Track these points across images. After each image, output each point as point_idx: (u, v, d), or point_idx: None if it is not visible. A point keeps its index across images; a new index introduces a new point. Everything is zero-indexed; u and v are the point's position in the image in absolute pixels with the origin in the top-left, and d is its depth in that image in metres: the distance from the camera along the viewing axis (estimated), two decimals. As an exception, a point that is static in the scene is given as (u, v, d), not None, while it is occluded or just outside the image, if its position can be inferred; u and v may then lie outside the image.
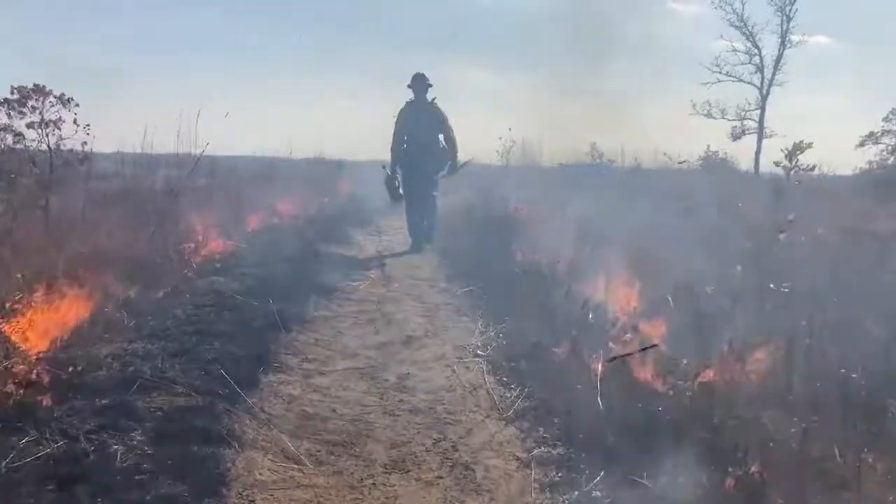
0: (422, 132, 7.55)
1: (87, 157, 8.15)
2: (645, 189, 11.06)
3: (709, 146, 20.58)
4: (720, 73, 26.17)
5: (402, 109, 7.70)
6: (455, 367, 3.64)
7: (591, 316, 4.07)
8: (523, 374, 3.43)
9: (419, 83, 7.58)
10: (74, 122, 7.63)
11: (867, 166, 18.97)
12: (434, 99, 7.66)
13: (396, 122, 7.67)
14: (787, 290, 3.71)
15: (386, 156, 7.96)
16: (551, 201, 9.68)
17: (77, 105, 7.87)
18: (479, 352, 3.98)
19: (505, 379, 3.44)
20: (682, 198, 9.17)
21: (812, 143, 16.59)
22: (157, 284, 4.47)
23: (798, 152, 16.70)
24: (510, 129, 16.20)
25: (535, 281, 5.44)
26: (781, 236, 4.73)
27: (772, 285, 3.82)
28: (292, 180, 11.17)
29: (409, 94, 7.66)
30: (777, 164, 17.38)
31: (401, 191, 7.77)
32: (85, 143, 7.99)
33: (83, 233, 4.91)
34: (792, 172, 16.54)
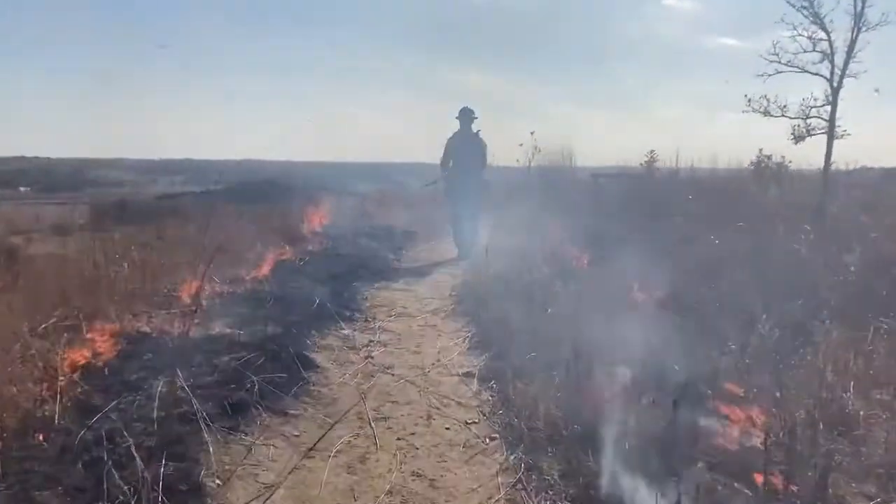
0: (467, 159, 8.57)
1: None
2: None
3: (761, 150, 18.03)
4: (779, 62, 21.96)
5: (449, 138, 8.65)
6: None
7: None
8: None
9: (465, 116, 8.56)
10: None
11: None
12: (479, 131, 8.67)
13: (445, 150, 8.69)
14: None
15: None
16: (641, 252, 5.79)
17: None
18: None
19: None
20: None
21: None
22: None
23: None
24: (532, 133, 14.29)
25: None
26: None
27: None
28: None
29: (457, 124, 8.66)
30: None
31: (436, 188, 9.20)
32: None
33: None
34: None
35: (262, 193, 18.13)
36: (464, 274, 7.36)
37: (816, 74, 22.27)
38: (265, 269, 6.54)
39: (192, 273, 5.65)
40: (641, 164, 18.34)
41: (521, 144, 14.75)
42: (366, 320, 5.48)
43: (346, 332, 5.11)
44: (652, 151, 16.49)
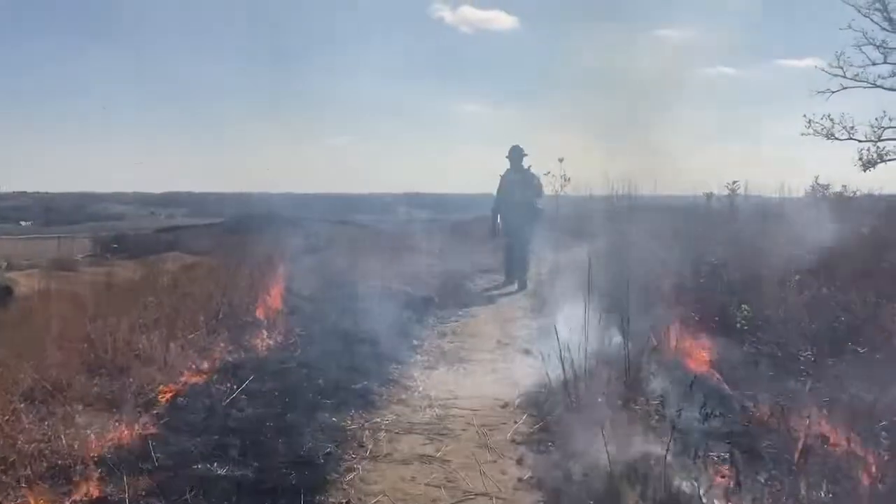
0: (519, 194, 9.08)
1: None
2: None
3: (817, 177, 15.72)
4: (843, 76, 18.21)
5: (502, 176, 9.28)
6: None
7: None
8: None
9: (516, 154, 9.21)
10: None
11: None
12: (529, 167, 9.32)
13: (499, 186, 9.27)
14: None
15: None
16: None
17: None
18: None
19: None
20: None
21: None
22: None
23: None
24: (561, 160, 14.28)
25: None
26: None
27: None
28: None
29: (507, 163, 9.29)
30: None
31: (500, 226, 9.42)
32: None
33: None
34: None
35: (262, 226, 16.06)
36: (532, 421, 4.02)
37: (892, 90, 18.18)
38: (145, 429, 3.29)
39: None
40: (707, 195, 16.66)
41: (547, 173, 13.95)
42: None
43: None
44: (735, 182, 15.21)
